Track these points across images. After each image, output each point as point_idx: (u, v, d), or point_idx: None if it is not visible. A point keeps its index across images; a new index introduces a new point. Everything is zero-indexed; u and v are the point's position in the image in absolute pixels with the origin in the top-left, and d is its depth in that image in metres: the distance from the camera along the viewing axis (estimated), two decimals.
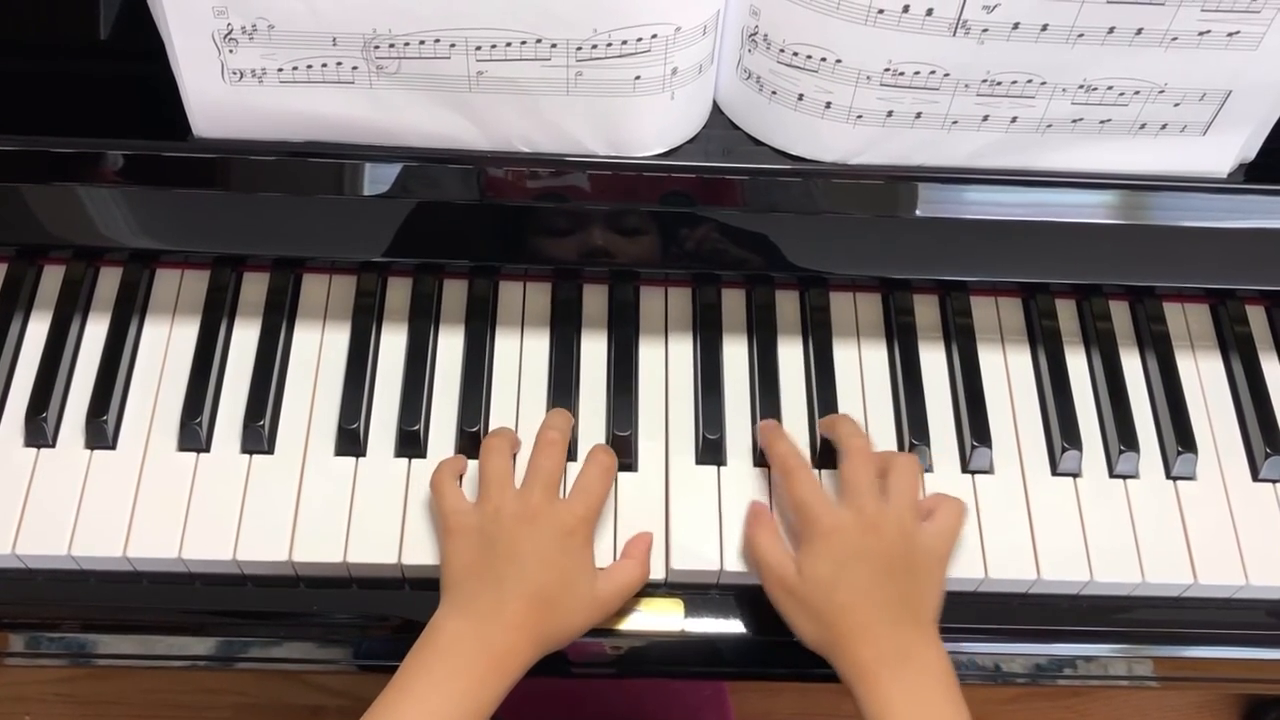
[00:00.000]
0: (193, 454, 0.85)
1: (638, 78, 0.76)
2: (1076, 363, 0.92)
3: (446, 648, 0.74)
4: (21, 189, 0.83)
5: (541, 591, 0.75)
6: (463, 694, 0.72)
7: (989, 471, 0.87)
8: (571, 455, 0.86)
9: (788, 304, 0.93)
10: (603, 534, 0.83)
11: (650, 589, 0.84)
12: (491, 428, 0.87)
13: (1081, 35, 0.73)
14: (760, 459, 0.86)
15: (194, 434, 0.85)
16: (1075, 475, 0.87)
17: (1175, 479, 0.88)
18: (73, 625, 0.86)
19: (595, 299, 0.92)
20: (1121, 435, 0.88)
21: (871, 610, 0.75)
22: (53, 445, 0.85)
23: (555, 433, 0.82)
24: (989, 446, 0.87)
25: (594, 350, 0.91)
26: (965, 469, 0.87)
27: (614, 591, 0.79)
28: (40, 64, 0.85)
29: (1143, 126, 0.79)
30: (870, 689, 0.73)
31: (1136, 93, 0.77)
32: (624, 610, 0.83)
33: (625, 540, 0.83)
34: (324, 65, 0.76)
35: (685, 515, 0.84)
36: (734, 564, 0.82)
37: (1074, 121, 0.79)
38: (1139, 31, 0.73)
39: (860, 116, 0.78)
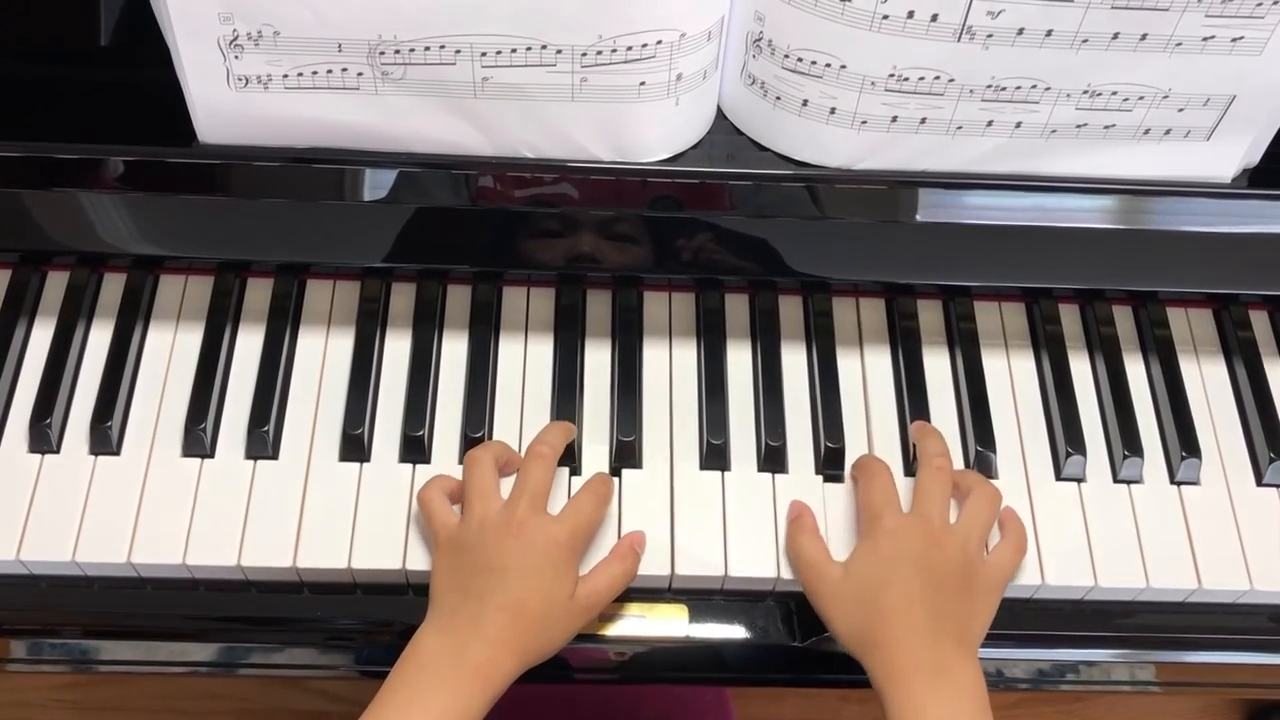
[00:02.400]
0: (197, 460, 0.85)
1: (643, 84, 0.76)
2: (1080, 368, 0.92)
3: (427, 663, 0.74)
4: (26, 195, 0.83)
5: (523, 604, 0.75)
6: (443, 709, 0.71)
7: (993, 477, 0.87)
8: (575, 462, 0.86)
9: (791, 309, 0.93)
10: (606, 539, 0.82)
11: (654, 595, 0.84)
12: (496, 433, 0.87)
13: (1086, 41, 0.73)
14: (764, 464, 0.86)
15: (198, 440, 0.85)
16: (1079, 480, 0.87)
17: (1179, 484, 0.88)
18: (75, 631, 0.86)
19: (599, 304, 0.93)
20: (1125, 440, 0.88)
21: (916, 619, 0.75)
22: (57, 451, 0.85)
23: (545, 447, 0.81)
24: (993, 452, 0.87)
25: (598, 355, 0.91)
26: None
27: (597, 594, 0.78)
28: (44, 71, 0.85)
29: (1147, 132, 0.80)
30: (903, 696, 0.73)
31: (1141, 98, 0.77)
32: (627, 616, 0.83)
33: None
34: (329, 71, 0.76)
35: (690, 520, 0.84)
36: (738, 569, 0.82)
37: (1078, 127, 0.79)
38: (1143, 37, 0.73)
39: (865, 122, 0.78)
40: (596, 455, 0.86)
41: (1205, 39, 0.73)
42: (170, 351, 0.89)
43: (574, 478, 0.85)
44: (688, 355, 0.91)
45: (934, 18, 0.72)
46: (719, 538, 0.83)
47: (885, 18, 0.72)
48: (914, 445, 0.86)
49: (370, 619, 0.84)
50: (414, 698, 0.72)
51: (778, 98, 0.79)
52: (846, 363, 0.91)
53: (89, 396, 0.86)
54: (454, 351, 0.90)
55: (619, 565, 0.79)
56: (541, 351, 0.90)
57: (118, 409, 0.86)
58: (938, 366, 0.92)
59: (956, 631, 0.76)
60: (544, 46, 0.74)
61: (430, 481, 0.82)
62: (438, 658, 0.74)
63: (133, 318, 0.90)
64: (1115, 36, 0.73)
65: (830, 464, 0.86)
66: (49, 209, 0.84)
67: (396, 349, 0.90)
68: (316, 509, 0.83)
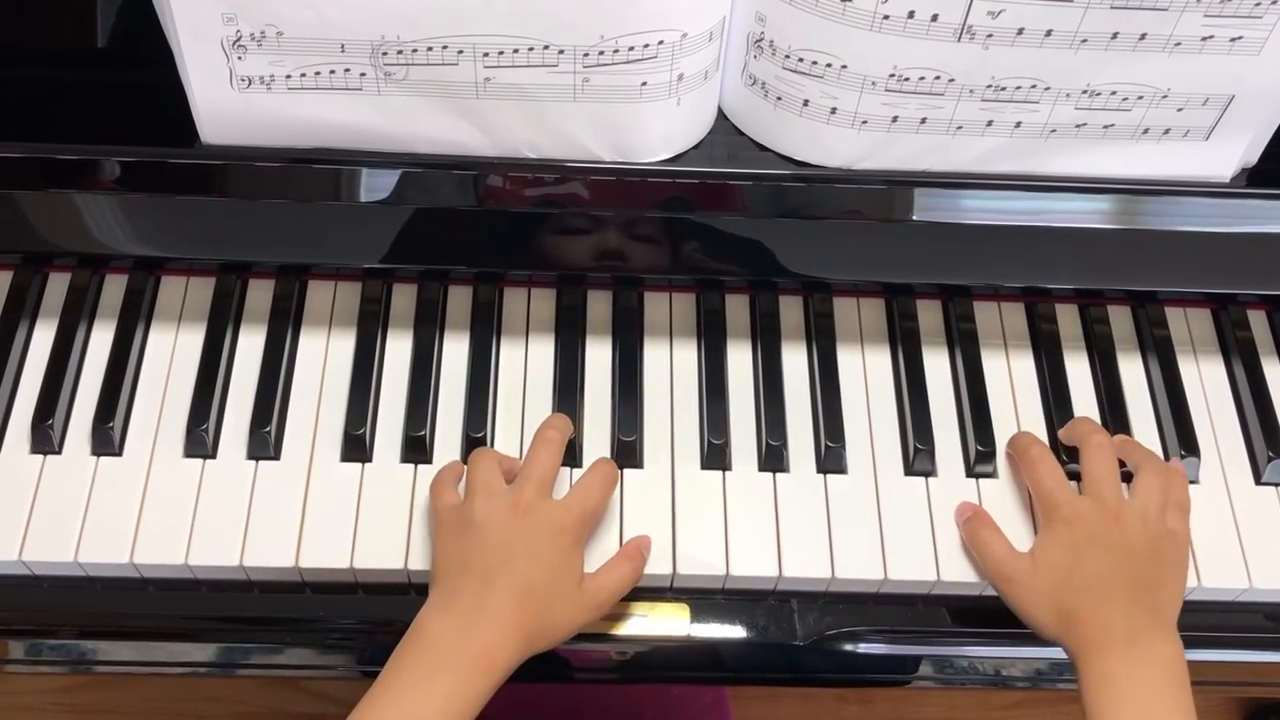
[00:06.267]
0: (199, 460, 0.85)
1: (644, 84, 0.76)
2: (1079, 368, 0.92)
3: (430, 644, 0.73)
4: (27, 196, 0.83)
5: (528, 587, 0.74)
6: (446, 692, 0.71)
7: (993, 476, 0.87)
8: (576, 461, 0.86)
9: (792, 309, 0.93)
10: (608, 540, 0.83)
11: (656, 594, 0.84)
12: (497, 432, 0.87)
13: (1085, 41, 0.74)
14: (765, 463, 0.86)
15: (200, 440, 0.85)
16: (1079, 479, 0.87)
17: None
18: (73, 632, 0.86)
19: (600, 305, 0.93)
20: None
21: (1108, 594, 0.75)
22: (59, 452, 0.85)
23: (554, 431, 0.82)
24: (993, 451, 0.87)
25: (599, 356, 0.91)
26: (970, 473, 0.87)
27: (605, 590, 0.78)
28: (46, 71, 0.85)
29: (1146, 131, 0.80)
30: (1092, 664, 0.73)
31: (1140, 98, 0.77)
32: (629, 616, 0.83)
33: None
34: (332, 72, 0.76)
35: (691, 520, 0.84)
36: (740, 569, 0.82)
37: (1077, 126, 0.79)
38: (1142, 37, 0.73)
39: (865, 122, 0.79)
40: (598, 455, 0.86)
41: (1204, 39, 0.74)
42: (172, 352, 0.89)
43: (575, 471, 0.85)
44: (688, 355, 0.91)
45: (934, 18, 0.72)
46: (720, 537, 0.83)
47: (886, 18, 0.72)
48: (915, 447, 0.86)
49: (372, 619, 0.84)
50: (417, 681, 0.71)
51: (778, 98, 0.79)
52: (847, 363, 0.91)
53: (91, 397, 0.86)
54: (455, 352, 0.90)
55: (628, 564, 0.79)
56: (543, 352, 0.91)
57: (119, 410, 0.86)
58: (938, 366, 0.92)
59: (1149, 603, 0.76)
60: (546, 47, 0.74)
61: (446, 466, 0.83)
62: (441, 640, 0.73)
63: (134, 319, 0.90)
64: (1114, 36, 0.73)
65: (831, 463, 0.86)
66: (51, 210, 0.84)
67: (398, 350, 0.90)
68: (318, 509, 0.83)
